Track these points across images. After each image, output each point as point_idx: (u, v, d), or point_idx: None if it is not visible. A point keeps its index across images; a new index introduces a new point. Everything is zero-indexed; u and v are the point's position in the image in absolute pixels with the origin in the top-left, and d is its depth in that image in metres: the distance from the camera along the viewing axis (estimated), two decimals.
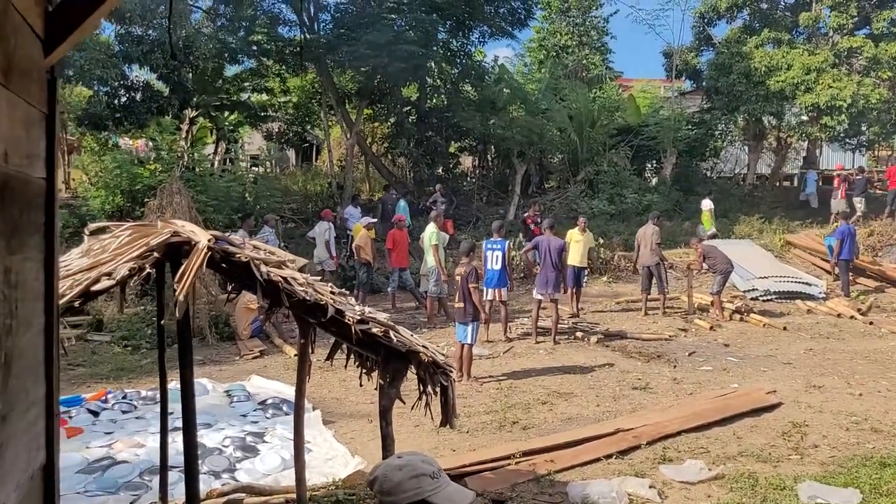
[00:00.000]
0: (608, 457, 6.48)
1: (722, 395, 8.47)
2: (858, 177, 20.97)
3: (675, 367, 10.02)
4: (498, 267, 11.28)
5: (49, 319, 2.22)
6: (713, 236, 16.47)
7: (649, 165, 25.55)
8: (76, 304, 3.20)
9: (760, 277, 15.20)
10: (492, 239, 11.58)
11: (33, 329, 2.03)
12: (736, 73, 23.25)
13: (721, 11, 25.42)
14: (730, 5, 24.65)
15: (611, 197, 21.01)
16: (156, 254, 3.37)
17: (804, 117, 24.00)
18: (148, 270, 3.32)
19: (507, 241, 11.94)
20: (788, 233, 19.37)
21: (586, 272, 14.23)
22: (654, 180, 24.48)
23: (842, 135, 24.14)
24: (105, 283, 3.16)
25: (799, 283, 15.07)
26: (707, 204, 19.51)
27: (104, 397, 8.34)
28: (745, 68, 23.11)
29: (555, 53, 28.22)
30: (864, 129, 24.51)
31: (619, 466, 6.32)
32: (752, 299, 14.53)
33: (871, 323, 12.81)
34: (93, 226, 4.00)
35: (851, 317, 13.20)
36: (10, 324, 1.75)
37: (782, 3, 25.70)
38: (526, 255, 14.06)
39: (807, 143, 25.96)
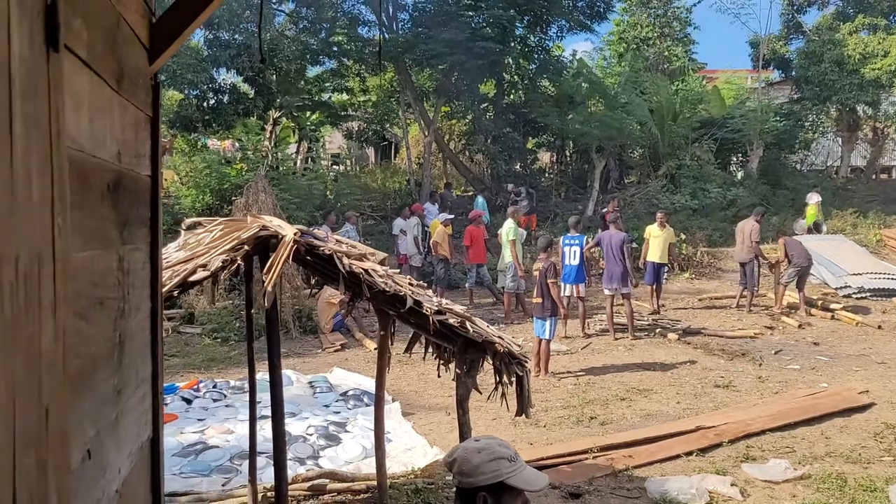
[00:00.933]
0: (688, 454, 6.39)
1: (810, 394, 8.20)
2: None
3: (760, 365, 9.75)
4: (576, 262, 11.27)
5: (154, 306, 2.42)
6: (816, 228, 15.78)
7: (734, 159, 24.81)
8: (174, 293, 3.42)
9: (854, 274, 14.55)
10: (569, 234, 11.57)
11: (141, 313, 2.22)
12: (828, 62, 22.32)
13: None
14: None
15: (693, 191, 20.50)
16: (246, 247, 3.56)
17: None
18: (239, 262, 3.52)
19: (585, 237, 11.89)
20: (885, 227, 18.45)
21: (666, 268, 13.92)
22: (740, 174, 23.75)
23: None
24: (201, 273, 3.38)
25: (893, 279, 14.36)
26: (814, 197, 18.80)
27: (196, 386, 8.77)
28: (838, 56, 22.15)
29: (635, 46, 27.68)
30: None
31: (699, 464, 6.23)
32: (844, 297, 13.93)
33: None
34: (188, 221, 4.26)
35: None
36: (123, 307, 1.92)
37: None
38: (590, 252, 13.96)
39: None
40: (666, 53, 27.32)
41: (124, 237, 1.96)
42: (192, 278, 3.38)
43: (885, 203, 21.54)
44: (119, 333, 1.88)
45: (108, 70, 1.75)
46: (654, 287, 13.14)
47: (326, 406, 8.16)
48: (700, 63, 29.96)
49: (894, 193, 23.10)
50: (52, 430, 1.17)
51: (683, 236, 17.28)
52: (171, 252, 3.83)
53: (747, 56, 28.37)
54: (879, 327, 11.78)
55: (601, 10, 22.83)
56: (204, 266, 3.39)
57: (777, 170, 23.32)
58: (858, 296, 14.05)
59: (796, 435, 6.92)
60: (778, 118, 23.39)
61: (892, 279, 14.35)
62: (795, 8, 25.57)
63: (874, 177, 26.05)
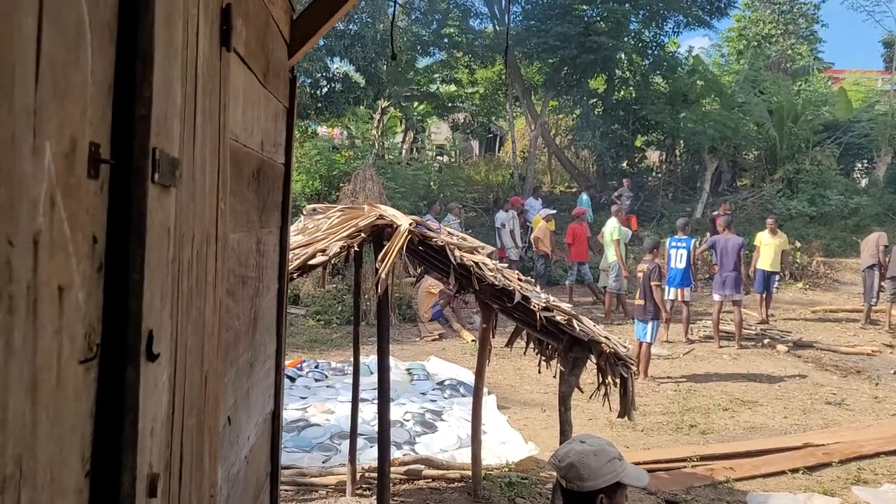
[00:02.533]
0: (794, 471, 6.14)
1: None
2: None
3: (876, 384, 9.21)
4: (682, 266, 10.99)
5: (281, 286, 2.57)
6: None
7: (859, 165, 23.39)
8: (294, 275, 3.60)
9: None
10: (676, 237, 11.31)
11: (271, 293, 2.37)
12: None
13: None
14: None
15: (812, 198, 19.48)
16: (363, 234, 3.70)
17: None
18: (355, 249, 3.66)
19: (693, 240, 11.56)
20: None
21: (777, 277, 13.29)
22: (864, 182, 22.38)
23: None
24: (320, 258, 3.53)
25: None
26: None
27: (299, 365, 9.13)
28: None
29: (756, 43, 26.54)
30: None
31: (805, 482, 5.98)
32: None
33: None
34: (309, 207, 4.45)
35: None
36: (258, 286, 2.06)
37: None
38: (703, 255, 13.54)
39: None
40: (789, 52, 26.07)
41: (262, 221, 2.10)
42: (311, 262, 3.54)
43: None
44: (255, 310, 2.02)
45: (259, 65, 1.88)
46: (764, 296, 12.62)
47: (423, 394, 8.32)
48: (826, 63, 28.41)
49: None
50: (209, 394, 1.29)
51: (798, 244, 16.50)
52: (291, 235, 4.02)
53: (879, 57, 26.72)
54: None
55: (722, 5, 21.96)
56: (323, 251, 3.55)
57: None
58: None
59: None
60: None
61: None
62: None
63: None
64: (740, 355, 10.44)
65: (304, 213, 4.36)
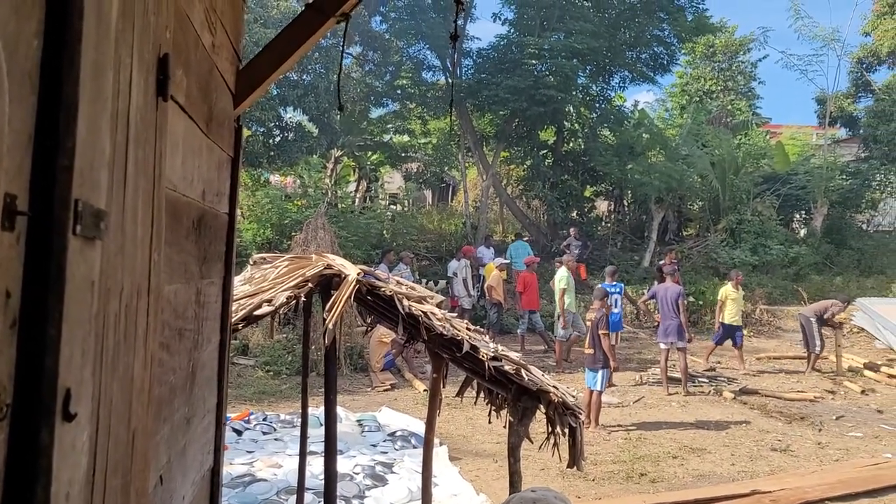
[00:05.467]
0: None
1: (873, 464, 7.85)
2: None
3: (820, 430, 9.39)
4: (617, 310, 11.32)
5: (223, 338, 2.51)
6: None
7: (797, 216, 24.26)
8: (239, 326, 3.53)
9: None
10: (606, 283, 11.59)
11: (212, 345, 2.31)
12: None
13: (882, 56, 24.05)
14: (893, 50, 23.24)
15: (754, 247, 20.08)
16: (310, 284, 3.66)
17: None
18: (302, 299, 3.61)
19: (623, 285, 11.94)
20: None
21: (742, 332, 13.15)
22: (803, 232, 23.19)
23: None
24: (265, 308, 3.48)
25: None
26: None
27: (247, 418, 8.90)
28: None
29: (697, 99, 27.59)
30: None
31: None
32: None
33: None
34: (256, 256, 4.39)
35: None
36: (197, 338, 2.01)
37: None
38: (645, 305, 13.80)
39: None
40: (729, 107, 27.13)
41: (203, 271, 2.05)
42: (257, 312, 3.48)
43: None
44: (192, 363, 1.96)
45: (200, 114, 1.86)
46: (737, 349, 12.82)
47: (374, 445, 8.17)
48: (764, 118, 29.65)
49: None
50: (137, 453, 1.24)
51: (742, 293, 16.90)
52: (237, 286, 3.95)
53: (813, 113, 27.99)
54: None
55: (665, 62, 22.84)
56: (269, 301, 3.49)
57: (842, 229, 22.70)
58: None
59: None
60: (844, 176, 22.87)
61: None
62: (864, 66, 25.17)
63: None
64: (688, 402, 10.55)
65: (251, 262, 4.31)
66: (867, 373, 12.63)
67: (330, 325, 3.46)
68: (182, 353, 1.82)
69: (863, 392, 11.49)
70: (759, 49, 27.97)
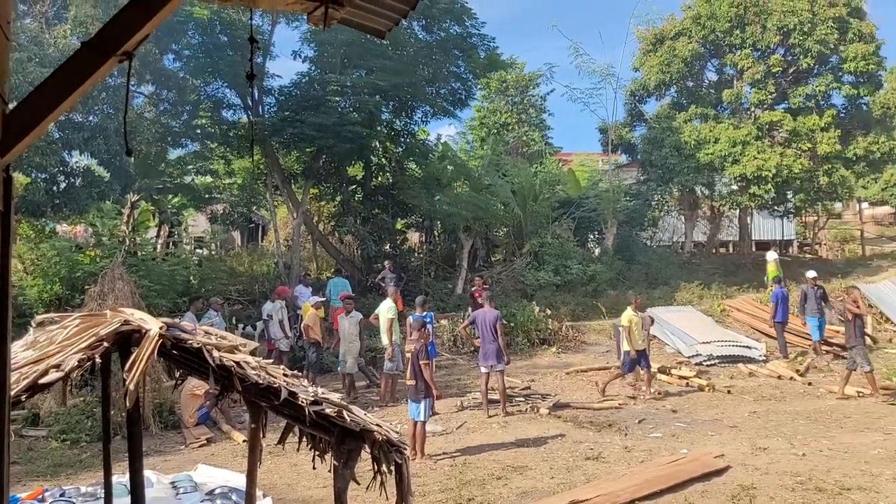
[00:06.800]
0: None
1: (672, 461, 8.57)
2: None
3: (625, 435, 10.12)
4: (429, 340, 11.52)
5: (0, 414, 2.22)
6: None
7: (592, 236, 26.26)
8: (22, 398, 3.15)
9: (703, 342, 15.59)
10: (416, 313, 11.76)
11: None
12: (668, 147, 24.41)
13: (650, 89, 26.81)
14: (658, 83, 26.02)
15: (556, 268, 21.43)
16: (105, 343, 3.36)
17: (734, 187, 25.24)
18: (98, 361, 3.31)
19: (433, 313, 12.13)
20: (727, 298, 19.99)
21: (647, 353, 12.96)
22: (597, 251, 25.12)
23: (770, 203, 25.38)
24: (53, 375, 3.13)
25: (739, 346, 15.50)
26: (772, 255, 20.27)
27: (41, 496, 7.97)
28: (676, 142, 24.31)
29: (495, 131, 29.18)
30: (789, 196, 25.86)
31: None
32: (696, 364, 14.84)
33: (809, 384, 13.21)
34: (39, 318, 3.96)
35: (791, 378, 13.60)
36: None
37: (706, 80, 27.30)
38: (465, 330, 14.07)
39: (738, 211, 27.14)
40: (524, 138, 28.96)
41: None
42: (42, 380, 3.13)
43: (725, 275, 23.45)
44: None
45: None
46: (645, 372, 12.73)
47: None
48: (556, 147, 32.00)
49: (732, 266, 25.21)
50: None
51: (549, 311, 17.95)
52: (18, 352, 3.53)
53: (597, 141, 30.55)
54: (729, 392, 12.60)
55: (463, 96, 23.89)
56: (57, 366, 3.15)
57: (630, 246, 24.91)
58: (708, 363, 15.03)
59: (662, 502, 7.19)
60: (628, 198, 25.20)
61: (737, 346, 15.49)
62: (637, 98, 27.93)
63: (714, 251, 28.35)
64: (508, 422, 10.94)
65: (34, 325, 3.88)
66: (661, 377, 13.83)
67: (131, 387, 3.19)
68: None
69: (659, 395, 12.55)
70: (546, 83, 30.30)
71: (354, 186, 23.56)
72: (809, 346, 15.88)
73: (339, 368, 13.79)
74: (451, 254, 23.83)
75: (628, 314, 12.67)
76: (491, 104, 30.19)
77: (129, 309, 3.89)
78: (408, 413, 9.54)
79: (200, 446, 10.37)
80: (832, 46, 23.52)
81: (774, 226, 30.55)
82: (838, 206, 31.85)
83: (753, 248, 28.65)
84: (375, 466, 3.94)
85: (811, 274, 16.40)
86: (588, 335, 17.83)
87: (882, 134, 24.81)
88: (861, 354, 11.91)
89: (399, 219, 23.68)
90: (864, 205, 36.26)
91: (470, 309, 16.85)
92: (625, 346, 12.59)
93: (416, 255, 24.64)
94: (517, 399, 12.23)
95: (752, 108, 25.03)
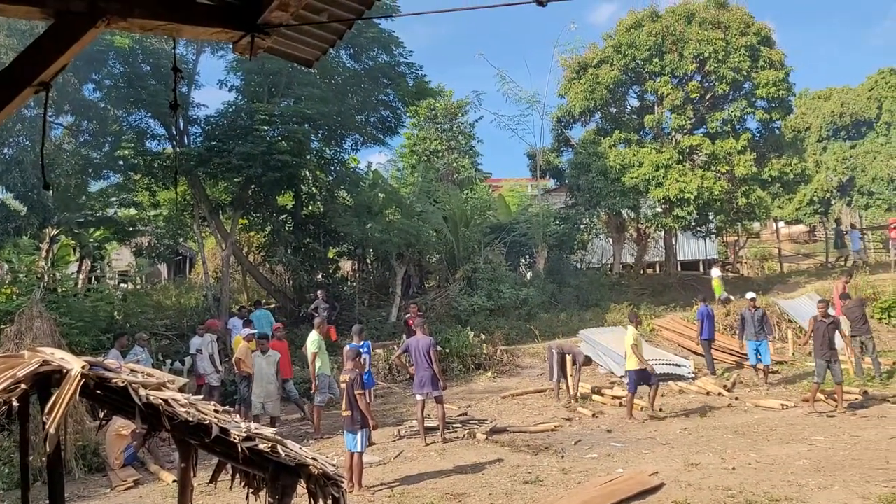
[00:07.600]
0: None
1: (609, 481, 8.67)
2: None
3: (562, 457, 10.19)
4: (365, 369, 11.45)
5: None
6: (726, 300, 16.89)
7: (523, 260, 26.60)
8: None
9: None
10: (353, 343, 11.70)
11: None
12: (594, 171, 25.04)
13: (576, 115, 27.50)
14: (583, 110, 26.71)
15: (489, 293, 21.59)
16: (23, 385, 3.20)
17: (658, 209, 26.05)
18: (15, 404, 3.15)
19: (370, 342, 12.53)
20: (655, 317, 20.49)
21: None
22: (529, 274, 25.44)
23: (692, 224, 26.31)
24: None
25: (669, 364, 15.87)
26: (716, 272, 20.63)
27: None
28: (602, 166, 24.97)
29: (426, 158, 29.36)
30: (711, 217, 26.86)
31: None
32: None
33: (736, 398, 13.62)
34: None
35: (719, 394, 14.00)
36: None
37: (629, 107, 28.20)
38: (399, 359, 13.99)
39: (663, 232, 27.98)
40: (454, 164, 29.23)
41: None
42: None
43: (654, 295, 24.09)
44: None
45: None
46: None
47: None
48: (486, 173, 32.41)
49: (660, 286, 25.92)
50: None
51: (483, 336, 18.03)
52: None
53: (526, 166, 31.10)
54: (661, 410, 12.87)
55: (392, 124, 24.01)
56: None
57: (561, 269, 25.33)
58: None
59: None
60: (557, 222, 25.69)
61: (667, 364, 15.86)
62: (563, 124, 28.61)
63: (642, 272, 29.10)
64: (446, 449, 10.89)
65: None
66: (595, 397, 14.05)
67: (52, 430, 3.04)
68: None
69: (594, 415, 12.74)
70: (475, 111, 30.68)
71: (285, 216, 23.29)
72: (743, 364, 15.97)
73: (253, 411, 12.14)
74: (385, 281, 23.74)
75: (632, 332, 12.73)
76: (420, 131, 30.40)
77: (48, 348, 3.72)
78: (344, 445, 9.38)
79: (127, 489, 9.95)
80: (745, 73, 24.66)
81: (698, 246, 31.60)
82: (756, 225, 33.21)
83: (679, 269, 29.55)
84: (312, 501, 3.86)
85: (750, 295, 16.30)
86: (522, 359, 17.98)
87: (794, 156, 26.14)
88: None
89: (331, 247, 23.49)
90: (781, 224, 38.01)
91: (405, 336, 16.80)
92: (629, 365, 12.61)
93: (349, 283, 24.45)
94: (455, 425, 12.18)
95: (673, 133, 25.96)
